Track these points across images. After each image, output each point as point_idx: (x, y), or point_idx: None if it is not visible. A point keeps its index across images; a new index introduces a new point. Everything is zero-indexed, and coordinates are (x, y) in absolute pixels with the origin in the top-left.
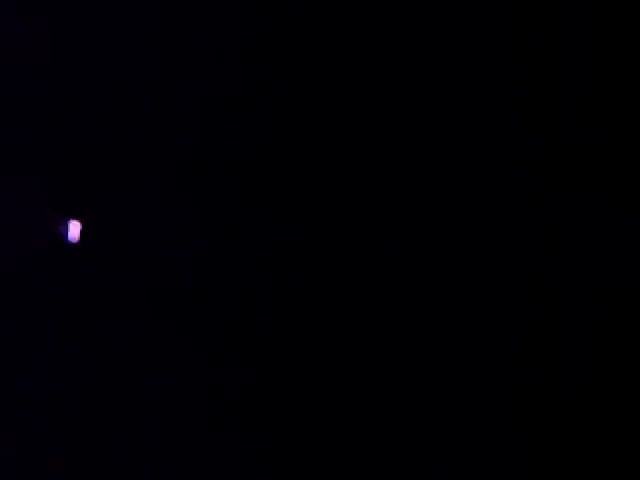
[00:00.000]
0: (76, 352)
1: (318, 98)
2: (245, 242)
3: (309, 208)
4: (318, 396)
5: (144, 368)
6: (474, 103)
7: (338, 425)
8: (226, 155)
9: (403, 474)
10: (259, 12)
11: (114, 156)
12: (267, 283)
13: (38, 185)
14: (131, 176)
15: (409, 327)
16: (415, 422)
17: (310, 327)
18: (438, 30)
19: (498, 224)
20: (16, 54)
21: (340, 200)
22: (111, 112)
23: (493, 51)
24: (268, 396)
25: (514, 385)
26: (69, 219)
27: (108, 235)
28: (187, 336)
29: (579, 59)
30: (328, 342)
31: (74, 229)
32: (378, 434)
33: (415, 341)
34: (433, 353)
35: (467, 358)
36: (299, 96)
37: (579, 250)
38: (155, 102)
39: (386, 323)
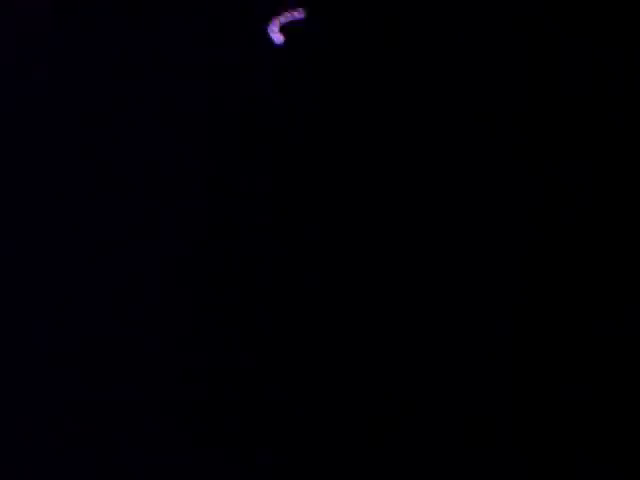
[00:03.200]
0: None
1: (319, 99)
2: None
3: (310, 207)
4: (317, 396)
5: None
6: (476, 106)
7: (338, 426)
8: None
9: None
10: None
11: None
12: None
13: None
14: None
15: (408, 326)
16: (415, 422)
17: (309, 328)
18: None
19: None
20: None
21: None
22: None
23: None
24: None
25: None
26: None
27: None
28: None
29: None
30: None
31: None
32: (377, 434)
33: (415, 340)
34: (433, 351)
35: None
36: (300, 95)
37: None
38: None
39: (386, 321)
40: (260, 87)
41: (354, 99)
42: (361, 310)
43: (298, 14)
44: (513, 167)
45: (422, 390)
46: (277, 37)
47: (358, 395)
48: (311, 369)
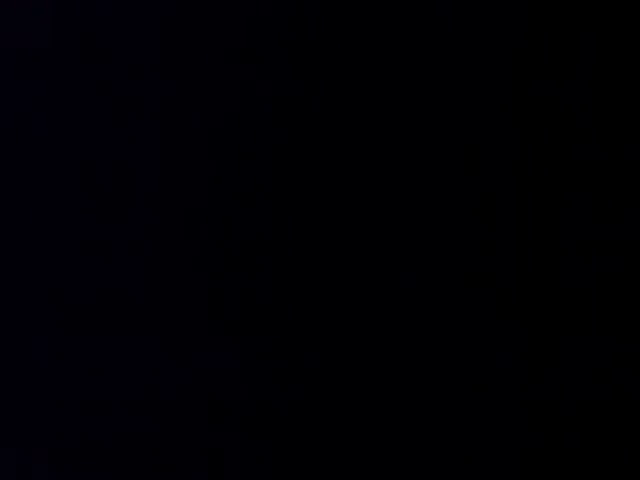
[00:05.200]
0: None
1: (320, 100)
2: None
3: (310, 209)
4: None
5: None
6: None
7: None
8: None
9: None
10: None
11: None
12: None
13: None
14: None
15: (409, 327)
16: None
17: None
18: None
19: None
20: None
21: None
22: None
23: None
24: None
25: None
26: None
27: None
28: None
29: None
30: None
31: None
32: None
33: (415, 341)
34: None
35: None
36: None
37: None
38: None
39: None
40: (258, 86)
41: (352, 99)
42: (360, 310)
43: None
44: (511, 167)
45: (421, 390)
46: None
47: (357, 395)
48: (311, 369)
